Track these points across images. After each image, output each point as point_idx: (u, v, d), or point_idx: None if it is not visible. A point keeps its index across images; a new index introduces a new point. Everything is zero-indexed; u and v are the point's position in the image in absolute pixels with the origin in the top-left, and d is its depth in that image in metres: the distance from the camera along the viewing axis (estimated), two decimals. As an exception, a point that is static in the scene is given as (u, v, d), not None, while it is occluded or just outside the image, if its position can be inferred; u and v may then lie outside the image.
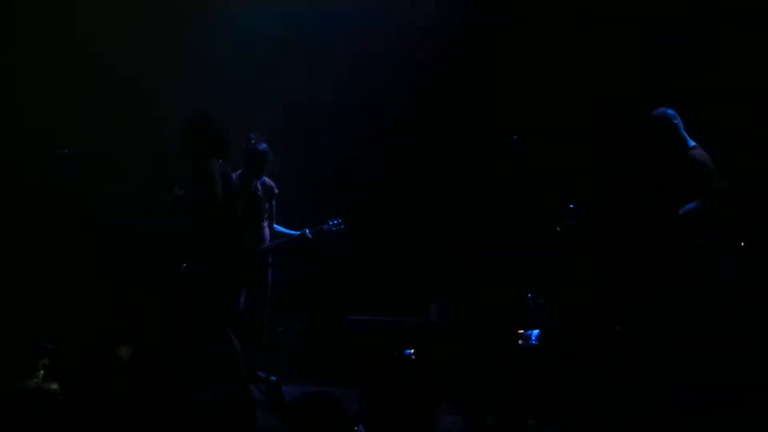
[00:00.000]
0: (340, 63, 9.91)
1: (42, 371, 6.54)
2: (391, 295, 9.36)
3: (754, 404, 6.48)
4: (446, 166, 9.50)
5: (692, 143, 7.40)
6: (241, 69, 9.96)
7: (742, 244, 7.44)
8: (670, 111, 7.43)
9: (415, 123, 9.77)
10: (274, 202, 8.84)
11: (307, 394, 6.00)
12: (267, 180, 8.79)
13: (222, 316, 7.51)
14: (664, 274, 7.20)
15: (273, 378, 8.55)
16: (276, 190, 8.82)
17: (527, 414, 7.13)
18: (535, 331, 8.46)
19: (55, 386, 6.36)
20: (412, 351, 7.75)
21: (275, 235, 8.82)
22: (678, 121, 7.42)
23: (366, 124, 9.92)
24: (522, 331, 8.63)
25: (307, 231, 8.69)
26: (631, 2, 8.91)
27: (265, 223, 8.78)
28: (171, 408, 6.30)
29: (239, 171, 8.56)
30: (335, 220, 8.77)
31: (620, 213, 7.99)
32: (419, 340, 8.45)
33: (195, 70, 9.92)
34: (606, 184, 8.57)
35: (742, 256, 7.36)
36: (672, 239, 7.22)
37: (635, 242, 7.51)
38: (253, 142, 8.58)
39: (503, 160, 8.55)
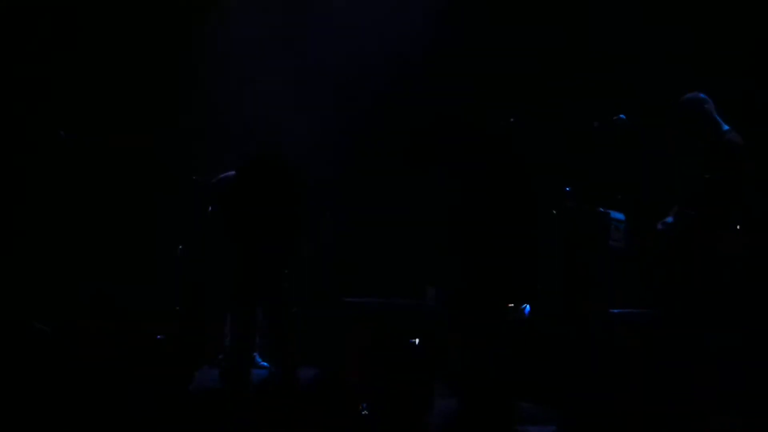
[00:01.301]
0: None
1: None
2: (389, 278, 9.38)
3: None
4: (442, 147, 9.52)
5: (726, 127, 7.20)
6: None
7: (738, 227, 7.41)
8: (702, 95, 7.22)
9: (410, 105, 9.79)
10: None
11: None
12: None
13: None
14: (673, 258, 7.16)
15: (265, 363, 8.61)
16: None
17: (518, 395, 7.15)
18: (528, 306, 8.47)
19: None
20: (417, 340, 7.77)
21: None
22: (710, 105, 7.21)
23: (359, 104, 9.94)
24: (513, 305, 8.65)
25: None
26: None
27: None
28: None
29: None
30: None
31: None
32: (416, 323, 8.46)
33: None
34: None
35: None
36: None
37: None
38: None
39: (500, 142, 8.57)
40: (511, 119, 8.46)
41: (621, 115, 7.80)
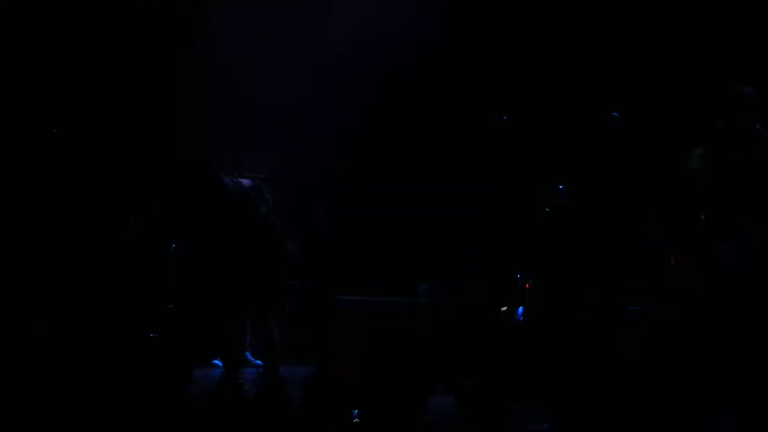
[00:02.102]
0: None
1: None
2: (381, 275, 9.39)
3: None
4: (435, 147, 9.54)
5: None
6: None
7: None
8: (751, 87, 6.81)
9: (404, 104, 9.80)
10: None
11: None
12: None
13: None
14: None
15: (259, 362, 8.59)
16: None
17: (511, 396, 7.13)
18: (521, 308, 8.49)
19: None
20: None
21: None
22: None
23: (355, 104, 9.93)
24: (505, 308, 8.66)
25: None
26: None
27: None
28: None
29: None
30: None
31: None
32: (409, 320, 8.47)
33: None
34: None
35: None
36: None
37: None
38: None
39: (494, 140, 8.59)
40: (504, 117, 8.48)
41: (614, 113, 7.81)
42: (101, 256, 9.15)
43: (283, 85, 9.73)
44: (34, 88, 9.41)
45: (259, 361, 8.64)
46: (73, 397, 6.04)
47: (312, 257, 10.04)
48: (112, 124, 9.58)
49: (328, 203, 9.60)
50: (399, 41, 9.74)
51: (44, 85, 9.53)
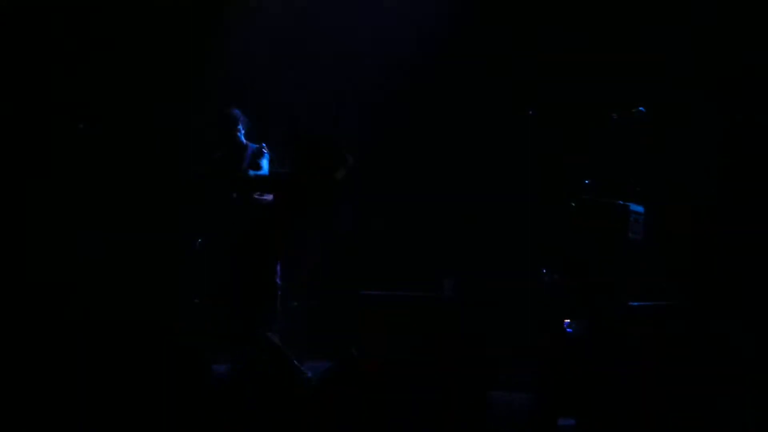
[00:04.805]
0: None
1: None
2: (406, 270, 9.38)
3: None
4: (460, 140, 9.53)
5: None
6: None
7: None
8: None
9: (424, 97, 9.80)
10: None
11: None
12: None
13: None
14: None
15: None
16: None
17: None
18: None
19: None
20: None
21: None
22: None
23: (376, 98, 9.94)
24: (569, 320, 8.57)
25: None
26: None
27: None
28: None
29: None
30: None
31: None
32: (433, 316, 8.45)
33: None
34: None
35: None
36: None
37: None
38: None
39: (519, 135, 8.57)
40: (530, 111, 8.46)
41: (640, 108, 7.77)
42: (124, 249, 9.21)
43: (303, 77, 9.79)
44: (60, 82, 9.49)
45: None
46: (93, 391, 6.08)
47: (337, 253, 10.06)
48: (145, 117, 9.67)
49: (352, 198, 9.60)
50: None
51: (73, 80, 9.61)
